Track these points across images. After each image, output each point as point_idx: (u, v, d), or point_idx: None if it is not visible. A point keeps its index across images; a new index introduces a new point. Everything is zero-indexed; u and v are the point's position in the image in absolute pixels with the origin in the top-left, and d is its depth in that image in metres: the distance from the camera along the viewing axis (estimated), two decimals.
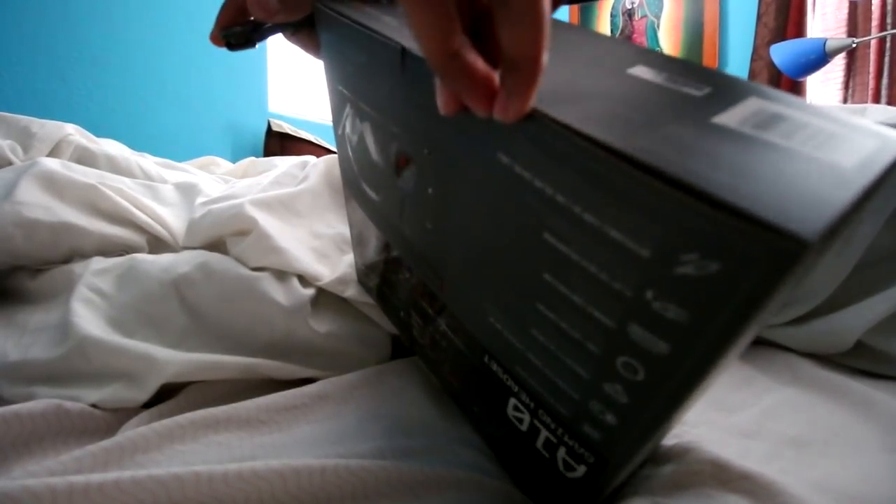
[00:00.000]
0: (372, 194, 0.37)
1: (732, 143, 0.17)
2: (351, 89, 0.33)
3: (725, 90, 0.20)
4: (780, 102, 0.19)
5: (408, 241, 0.34)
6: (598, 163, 0.17)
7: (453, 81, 0.19)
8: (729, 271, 0.15)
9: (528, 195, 0.21)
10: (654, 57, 0.23)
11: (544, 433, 0.27)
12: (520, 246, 0.22)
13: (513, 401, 0.29)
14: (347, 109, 0.35)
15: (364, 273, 0.46)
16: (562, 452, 0.26)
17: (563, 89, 0.20)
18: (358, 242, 0.46)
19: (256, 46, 0.34)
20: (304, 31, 0.35)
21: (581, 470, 0.25)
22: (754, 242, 0.14)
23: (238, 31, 0.33)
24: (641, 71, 0.22)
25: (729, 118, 0.18)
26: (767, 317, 0.17)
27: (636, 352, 0.19)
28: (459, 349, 0.33)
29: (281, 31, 0.35)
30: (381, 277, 0.42)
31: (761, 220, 0.14)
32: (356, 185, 0.40)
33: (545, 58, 0.18)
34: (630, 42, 0.25)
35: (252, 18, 0.33)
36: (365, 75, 0.30)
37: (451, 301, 0.31)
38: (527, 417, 0.28)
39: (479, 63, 0.19)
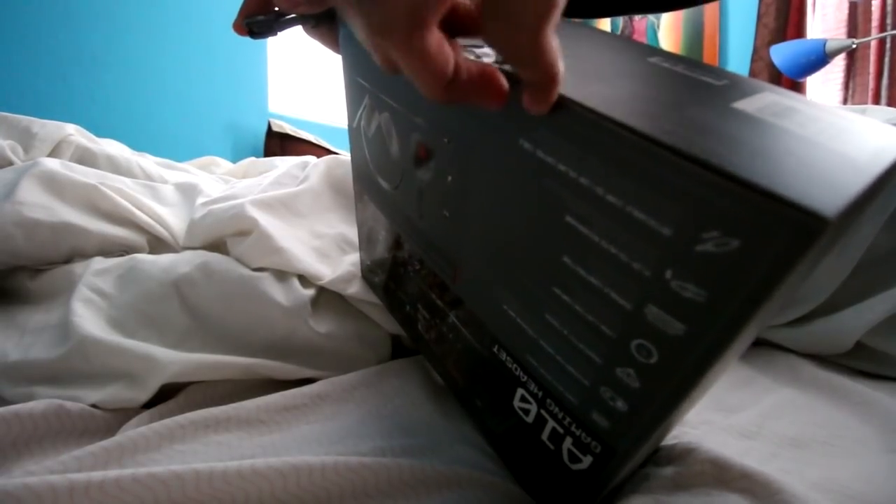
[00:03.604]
0: (386, 186, 0.37)
1: (753, 127, 0.17)
2: (371, 81, 0.34)
3: (741, 83, 0.20)
4: (792, 98, 0.20)
5: (422, 232, 0.34)
6: (623, 145, 0.17)
7: (461, 100, 0.20)
8: (749, 248, 0.15)
9: (551, 179, 0.21)
10: (668, 53, 0.23)
11: (551, 423, 0.27)
12: (540, 230, 0.23)
13: (520, 391, 0.29)
14: (365, 101, 0.35)
15: (369, 269, 0.46)
16: (568, 443, 0.26)
17: (589, 71, 0.21)
18: (366, 238, 0.46)
19: (278, 35, 0.34)
20: (325, 24, 0.36)
21: (587, 461, 0.26)
22: (776, 219, 0.14)
23: (261, 20, 0.33)
24: (660, 60, 0.22)
25: (747, 105, 0.19)
26: (780, 302, 0.17)
27: (651, 334, 0.19)
28: (468, 340, 0.33)
29: (302, 23, 0.35)
30: (387, 272, 0.43)
31: (783, 197, 0.14)
32: (369, 178, 0.40)
33: (561, 70, 0.19)
34: (641, 42, 0.26)
35: (276, 8, 0.34)
36: None
37: (464, 290, 0.32)
38: (533, 408, 0.28)
39: (474, 74, 0.19)
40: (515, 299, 0.26)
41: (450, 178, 0.28)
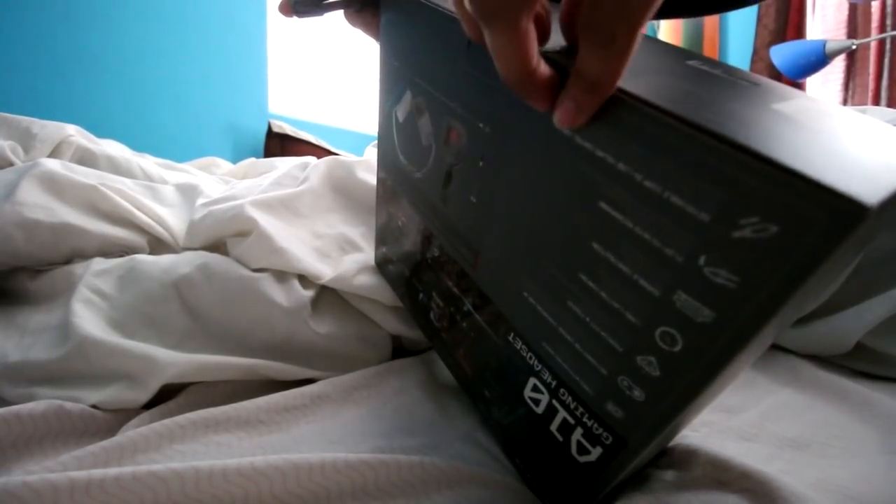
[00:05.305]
0: (412, 171, 0.38)
1: (792, 125, 0.18)
2: (410, 66, 0.35)
3: (777, 88, 0.21)
4: (825, 104, 0.20)
5: (445, 218, 0.35)
6: (666, 131, 0.18)
7: (526, 96, 0.21)
8: (787, 234, 0.16)
9: (588, 165, 0.22)
10: (704, 57, 0.24)
11: (562, 414, 0.27)
12: (571, 216, 0.23)
13: (533, 380, 0.29)
14: (402, 87, 0.36)
15: (384, 256, 0.47)
16: (577, 434, 0.27)
17: (631, 65, 0.21)
18: (384, 224, 0.46)
19: (323, 15, 0.36)
20: (369, 10, 0.37)
21: (595, 453, 0.26)
22: (817, 205, 0.15)
23: (307, 0, 0.35)
24: (698, 63, 0.23)
25: (785, 107, 0.19)
26: (809, 294, 0.17)
27: (678, 321, 0.19)
28: (482, 329, 0.33)
29: (346, 7, 0.37)
30: (403, 260, 0.43)
31: (826, 184, 0.14)
32: (394, 163, 0.41)
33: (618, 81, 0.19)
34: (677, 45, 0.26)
35: None
36: (427, 52, 0.32)
37: (483, 278, 0.32)
38: (545, 398, 0.29)
39: (547, 75, 0.20)
40: (537, 286, 0.27)
41: (481, 162, 0.29)
